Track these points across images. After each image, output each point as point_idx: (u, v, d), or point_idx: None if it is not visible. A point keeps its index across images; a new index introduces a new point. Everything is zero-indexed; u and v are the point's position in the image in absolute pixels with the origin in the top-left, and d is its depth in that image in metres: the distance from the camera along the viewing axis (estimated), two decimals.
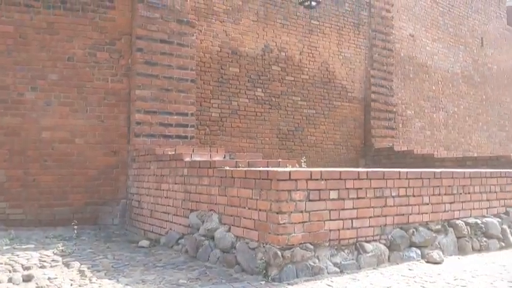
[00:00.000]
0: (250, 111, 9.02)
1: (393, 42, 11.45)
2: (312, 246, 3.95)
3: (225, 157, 5.64)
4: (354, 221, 4.26)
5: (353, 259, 4.19)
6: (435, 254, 4.61)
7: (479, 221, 5.29)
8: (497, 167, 7.91)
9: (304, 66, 9.84)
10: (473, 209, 5.39)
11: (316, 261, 3.96)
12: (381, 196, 4.50)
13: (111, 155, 6.70)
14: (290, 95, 9.59)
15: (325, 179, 4.09)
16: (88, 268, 4.25)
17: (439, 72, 13.05)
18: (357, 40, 10.73)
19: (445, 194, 5.08)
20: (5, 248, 5.05)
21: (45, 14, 6.46)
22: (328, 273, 3.96)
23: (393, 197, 4.59)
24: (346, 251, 4.19)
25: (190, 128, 7.07)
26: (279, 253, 3.77)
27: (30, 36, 6.40)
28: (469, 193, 5.35)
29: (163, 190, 5.67)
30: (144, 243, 5.42)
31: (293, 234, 3.85)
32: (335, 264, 4.06)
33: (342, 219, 4.17)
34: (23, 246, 5.14)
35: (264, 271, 3.81)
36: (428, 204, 4.90)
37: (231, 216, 4.37)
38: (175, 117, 6.91)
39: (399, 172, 4.70)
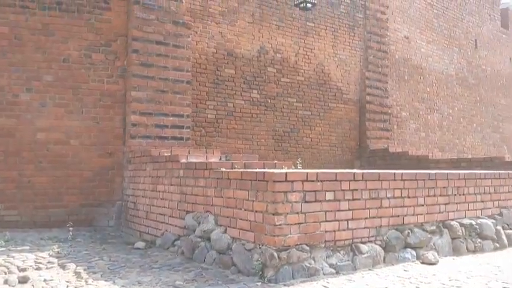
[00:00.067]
0: (246, 112, 9.04)
1: (388, 44, 11.50)
2: (308, 248, 3.96)
3: (220, 158, 5.64)
4: (349, 222, 4.27)
5: (348, 260, 4.21)
6: (430, 255, 4.63)
7: (473, 222, 5.32)
8: (491, 168, 7.97)
9: (299, 68, 9.87)
10: (468, 210, 5.42)
11: (312, 262, 3.97)
12: (377, 197, 4.51)
13: (106, 157, 6.69)
14: (286, 97, 9.61)
15: (321, 181, 4.10)
16: (84, 270, 4.24)
17: (434, 74, 13.12)
18: (352, 42, 10.77)
19: (440, 195, 5.11)
20: (0, 249, 5.03)
21: (40, 15, 6.46)
22: (324, 274, 3.97)
23: (388, 198, 4.61)
24: (342, 252, 4.20)
25: (186, 129, 7.07)
26: (275, 254, 3.78)
27: (26, 38, 6.39)
28: (463, 194, 5.38)
29: (159, 191, 5.66)
30: (140, 244, 5.42)
31: (289, 236, 3.86)
32: (331, 265, 4.07)
33: (337, 221, 4.19)
34: (18, 248, 5.13)
35: (260, 272, 3.82)
36: (423, 205, 4.92)
37: (227, 217, 4.37)
38: (171, 118, 6.92)
39: (395, 173, 4.72)
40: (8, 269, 4.22)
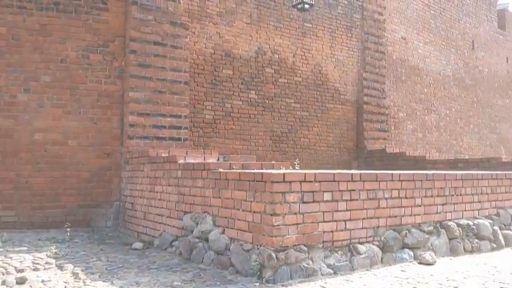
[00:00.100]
0: (244, 113, 9.04)
1: (385, 45, 11.53)
2: (306, 248, 3.97)
3: (218, 159, 5.64)
4: (347, 222, 4.28)
5: (346, 260, 4.22)
6: (428, 255, 4.64)
7: (470, 223, 5.34)
8: (488, 168, 8.00)
9: (297, 69, 9.88)
10: (465, 210, 5.44)
11: (310, 262, 3.98)
12: (374, 198, 4.53)
13: (104, 157, 6.69)
14: (283, 97, 9.63)
15: (319, 181, 4.11)
16: (82, 270, 4.24)
17: (431, 75, 13.15)
18: (350, 43, 10.79)
19: (437, 196, 5.12)
20: None
21: (38, 15, 6.45)
22: (322, 274, 3.98)
23: (386, 198, 4.62)
24: (339, 252, 4.21)
25: (184, 130, 7.08)
26: (273, 255, 3.79)
27: (23, 38, 6.39)
28: (460, 195, 5.39)
29: (157, 192, 5.66)
30: (138, 245, 5.42)
31: (287, 236, 3.87)
32: (329, 266, 4.08)
33: (335, 221, 4.20)
34: (16, 249, 5.12)
35: (258, 273, 3.83)
36: (420, 205, 4.93)
37: (225, 218, 4.38)
38: (169, 119, 6.92)
39: (392, 174, 4.73)
40: (6, 269, 4.22)
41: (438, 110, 13.32)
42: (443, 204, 5.17)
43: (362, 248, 4.33)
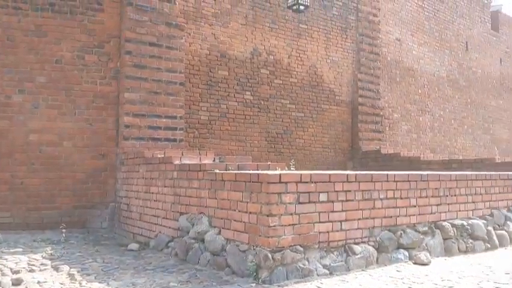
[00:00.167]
0: (239, 114, 9.06)
1: (380, 46, 11.58)
2: (302, 249, 3.99)
3: (214, 160, 5.65)
4: (343, 223, 4.30)
5: (342, 261, 4.24)
6: (423, 256, 4.67)
7: (465, 223, 5.37)
8: (482, 169, 8.05)
9: (292, 70, 9.91)
10: (459, 211, 5.48)
11: (306, 263, 3.99)
12: (370, 198, 4.55)
13: (99, 158, 6.67)
14: (279, 98, 9.65)
15: (314, 182, 4.13)
16: (78, 272, 4.24)
17: (425, 76, 13.22)
18: (345, 44, 10.83)
19: (432, 196, 5.15)
20: None
21: (33, 16, 6.43)
22: (318, 275, 3.99)
23: (381, 199, 4.64)
24: (335, 253, 4.23)
25: (179, 131, 7.07)
26: (270, 255, 3.80)
27: (18, 39, 6.37)
28: (455, 195, 5.43)
29: (152, 193, 5.66)
30: (133, 246, 5.42)
31: (283, 237, 3.88)
32: (325, 266, 4.09)
33: (331, 222, 4.21)
34: (11, 250, 5.10)
35: (255, 273, 3.84)
36: (415, 206, 4.96)
37: (221, 219, 4.39)
38: (164, 120, 6.92)
39: (387, 175, 4.76)
40: (1, 271, 4.21)
41: (433, 111, 13.40)
42: (437, 205, 5.21)
43: (357, 248, 4.35)
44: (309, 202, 4.07)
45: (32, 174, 6.30)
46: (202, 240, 4.53)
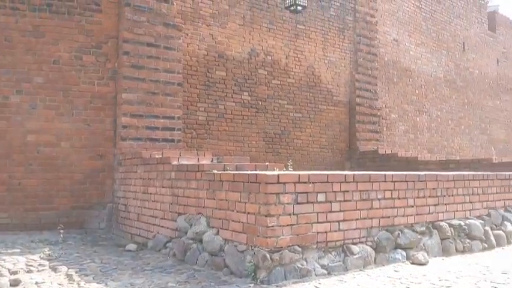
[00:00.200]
0: (237, 114, 9.06)
1: (377, 47, 11.60)
2: (300, 249, 3.99)
3: (212, 161, 5.66)
4: (341, 223, 4.31)
5: (340, 261, 4.24)
6: (420, 256, 4.68)
7: (462, 223, 5.39)
8: (479, 169, 8.08)
9: (290, 70, 9.92)
10: (457, 211, 5.49)
11: (304, 263, 4.00)
12: (367, 199, 4.56)
13: (97, 159, 6.67)
14: (276, 99, 9.66)
15: (312, 182, 4.13)
16: (76, 272, 4.23)
17: (422, 77, 13.25)
18: (342, 44, 10.85)
19: (429, 197, 5.17)
20: None
21: (31, 16, 6.43)
22: (316, 275, 4.00)
23: (379, 199, 4.65)
24: (333, 253, 4.24)
25: (177, 131, 7.08)
26: (268, 256, 3.81)
27: (16, 39, 6.36)
28: (452, 195, 5.44)
29: (150, 194, 5.66)
30: (131, 247, 5.41)
31: (281, 237, 3.89)
32: (323, 266, 4.10)
33: (329, 222, 4.22)
34: (9, 251, 5.09)
35: (253, 274, 3.84)
36: (412, 206, 4.97)
37: (220, 219, 4.39)
38: (162, 120, 6.92)
39: (385, 175, 4.77)
40: None
41: (430, 111, 13.43)
42: (435, 205, 5.22)
43: (355, 248, 4.36)
44: (307, 202, 4.08)
45: (29, 174, 6.29)
46: (200, 241, 4.53)
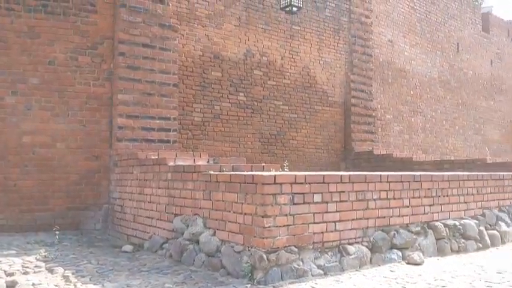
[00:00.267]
0: (233, 115, 9.07)
1: (372, 48, 11.64)
2: (296, 249, 4.01)
3: (208, 161, 5.66)
4: (337, 223, 4.33)
5: (336, 261, 4.26)
6: (416, 256, 4.71)
7: (457, 223, 5.42)
8: (473, 169, 8.13)
9: (285, 71, 9.94)
10: (452, 211, 5.53)
11: (301, 263, 4.02)
12: (363, 199, 4.58)
13: (93, 160, 6.66)
14: (272, 100, 9.68)
15: (309, 183, 4.15)
16: (72, 273, 4.23)
17: (417, 77, 13.32)
18: (337, 45, 10.89)
19: (425, 197, 5.20)
20: None
21: (26, 17, 6.41)
22: (312, 275, 4.02)
23: (374, 199, 4.68)
24: (329, 253, 4.25)
25: (173, 132, 7.07)
26: (265, 256, 3.82)
27: (11, 40, 6.34)
28: (447, 195, 5.48)
29: (146, 195, 5.66)
30: (127, 248, 5.41)
31: (278, 238, 3.90)
32: (319, 267, 4.12)
33: (325, 222, 4.24)
34: (5, 252, 5.07)
35: (250, 274, 3.85)
36: (408, 206, 5.00)
37: (216, 220, 4.40)
38: (158, 121, 6.91)
39: (380, 175, 4.79)
40: None
41: (424, 112, 13.49)
42: (430, 205, 5.26)
43: (351, 248, 4.38)
44: (304, 203, 4.10)
45: (25, 176, 6.27)
46: (197, 242, 4.54)
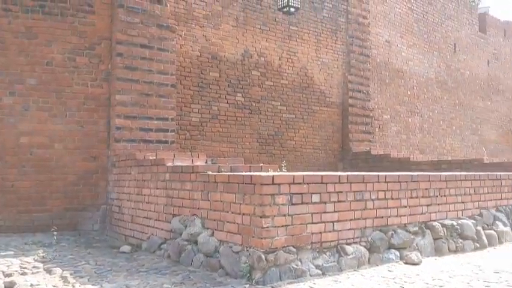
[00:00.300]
0: (231, 116, 9.07)
1: (369, 48, 11.67)
2: (294, 249, 4.02)
3: (206, 162, 5.67)
4: (335, 224, 4.34)
5: (334, 261, 4.27)
6: (414, 256, 4.72)
7: (454, 223, 5.44)
8: (471, 169, 8.15)
9: (283, 72, 9.95)
10: (449, 211, 5.55)
11: (299, 263, 4.02)
12: (361, 199, 4.59)
13: (90, 160, 6.65)
14: (270, 100, 9.68)
15: (307, 183, 4.16)
16: (71, 274, 4.23)
17: (414, 78, 13.34)
18: (335, 46, 10.90)
19: (422, 197, 5.22)
20: None
21: (23, 18, 6.40)
22: (310, 275, 4.03)
23: (372, 200, 4.69)
24: (328, 253, 4.26)
25: (171, 132, 7.07)
26: (263, 256, 3.83)
27: (9, 41, 6.33)
28: (444, 196, 5.50)
29: (144, 195, 5.66)
30: (126, 248, 5.41)
31: (276, 238, 3.91)
32: (317, 267, 4.13)
33: (323, 222, 4.25)
34: (2, 253, 5.07)
35: (248, 274, 3.86)
36: (406, 206, 5.02)
37: (214, 220, 4.40)
38: (156, 122, 6.91)
39: (378, 176, 4.80)
40: None
41: (422, 112, 13.52)
42: (428, 205, 5.27)
43: (349, 248, 4.39)
44: (302, 203, 4.11)
45: (22, 176, 6.27)
46: (195, 242, 4.54)
